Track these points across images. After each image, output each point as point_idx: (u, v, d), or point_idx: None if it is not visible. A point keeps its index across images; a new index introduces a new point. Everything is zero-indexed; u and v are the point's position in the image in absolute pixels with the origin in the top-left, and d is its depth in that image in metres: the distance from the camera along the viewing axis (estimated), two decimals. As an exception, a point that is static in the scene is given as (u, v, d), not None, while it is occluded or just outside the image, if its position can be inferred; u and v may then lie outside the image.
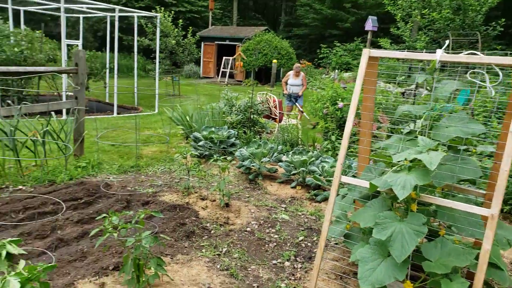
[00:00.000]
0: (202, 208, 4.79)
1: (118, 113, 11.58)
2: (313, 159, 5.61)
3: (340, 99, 7.01)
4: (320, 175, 5.35)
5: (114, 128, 9.24)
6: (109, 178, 5.70)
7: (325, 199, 5.18)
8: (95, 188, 5.10)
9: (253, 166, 5.78)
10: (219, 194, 5.10)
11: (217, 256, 3.78)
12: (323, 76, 18.93)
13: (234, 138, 6.61)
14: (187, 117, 7.90)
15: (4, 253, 2.16)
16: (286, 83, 10.41)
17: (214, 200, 5.01)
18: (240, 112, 7.60)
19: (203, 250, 3.84)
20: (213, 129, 6.77)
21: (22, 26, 13.02)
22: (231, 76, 24.36)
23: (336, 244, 4.06)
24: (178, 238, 4.01)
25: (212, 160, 4.75)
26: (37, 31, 11.35)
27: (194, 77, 24.82)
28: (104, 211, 4.42)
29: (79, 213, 4.30)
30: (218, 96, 9.03)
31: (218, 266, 3.58)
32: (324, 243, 3.08)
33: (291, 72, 10.47)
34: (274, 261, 3.79)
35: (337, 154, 6.08)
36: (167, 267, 3.35)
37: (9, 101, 7.29)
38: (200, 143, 6.61)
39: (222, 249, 3.92)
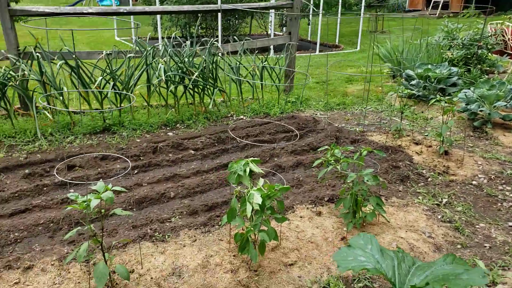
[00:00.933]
0: (416, 153, 4.38)
1: (320, 51, 11.63)
2: None
3: None
4: None
5: (317, 67, 9.31)
6: (316, 114, 5.81)
7: None
8: (304, 123, 5.27)
9: (481, 111, 4.90)
10: (436, 140, 4.54)
11: (436, 206, 3.41)
12: None
13: (456, 78, 5.70)
14: (396, 54, 7.23)
15: (248, 170, 2.37)
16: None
17: (430, 146, 4.50)
18: (462, 47, 6.47)
19: (420, 197, 3.52)
20: (429, 66, 5.99)
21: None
22: (445, 7, 21.15)
23: None
24: (392, 180, 3.78)
25: (433, 100, 4.18)
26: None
27: (398, 10, 22.68)
28: (315, 145, 4.53)
29: (293, 145, 4.52)
30: (426, 32, 7.92)
31: (439, 217, 3.23)
32: None
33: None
34: (511, 223, 3.18)
35: None
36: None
37: (230, 39, 8.08)
38: (413, 82, 5.98)
39: (441, 199, 3.51)
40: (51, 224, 2.93)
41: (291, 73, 6.45)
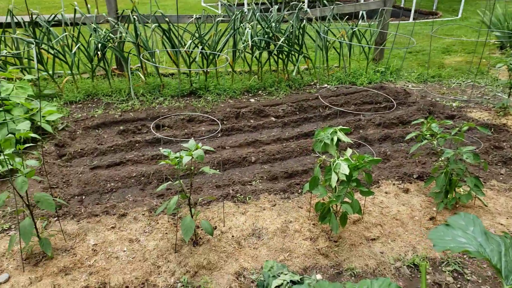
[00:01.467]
0: (525, 133, 3.87)
1: (414, 19, 10.71)
2: None
3: None
4: None
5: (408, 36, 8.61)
6: (407, 86, 5.39)
7: None
8: (394, 94, 4.93)
9: None
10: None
11: (546, 194, 3.00)
12: None
13: None
14: (508, 21, 6.36)
15: (335, 138, 2.26)
16: None
17: (543, 126, 3.95)
18: None
19: (526, 183, 3.12)
20: (549, 35, 5.17)
21: None
22: None
23: None
24: (492, 162, 3.40)
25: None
26: None
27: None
28: (405, 118, 4.22)
29: (381, 117, 4.26)
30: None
31: (550, 207, 2.84)
32: None
33: None
34: None
35: None
36: (481, 191, 2.90)
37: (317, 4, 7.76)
38: (526, 54, 5.22)
39: (553, 187, 3.07)
40: (142, 178, 3.13)
41: (383, 41, 6.02)
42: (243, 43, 4.82)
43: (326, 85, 5.39)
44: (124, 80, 5.16)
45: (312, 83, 5.45)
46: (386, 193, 2.98)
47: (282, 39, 4.86)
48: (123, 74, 5.22)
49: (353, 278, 2.25)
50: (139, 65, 5.35)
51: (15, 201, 2.49)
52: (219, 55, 4.89)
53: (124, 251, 2.34)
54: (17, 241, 2.27)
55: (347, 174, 2.15)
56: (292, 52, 5.18)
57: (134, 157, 3.46)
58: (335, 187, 2.34)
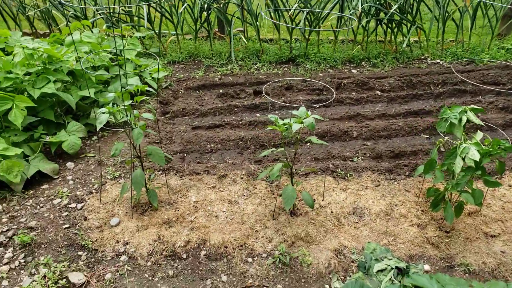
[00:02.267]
0: None
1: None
2: None
3: None
4: None
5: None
6: (538, 67, 4.63)
7: None
8: (521, 75, 4.27)
9: None
10: None
11: None
12: None
13: None
14: None
15: (464, 119, 1.97)
16: None
17: None
18: None
19: None
20: None
21: None
22: None
23: None
24: None
25: None
26: None
27: None
28: (536, 103, 3.64)
29: (505, 100, 3.73)
30: None
31: None
32: None
33: None
34: None
35: None
36: None
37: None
38: None
39: None
40: (240, 142, 3.13)
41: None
42: (351, 10, 4.50)
43: (438, 60, 4.86)
44: (225, 43, 5.18)
45: (422, 57, 4.95)
46: (510, 186, 2.60)
47: (394, 7, 4.43)
48: (224, 37, 5.24)
49: (467, 274, 2.01)
50: (241, 28, 5.32)
51: (131, 152, 2.62)
52: (323, 20, 4.64)
53: (224, 211, 2.35)
54: (128, 189, 2.40)
55: (477, 160, 1.87)
56: (404, 22, 4.72)
57: (232, 121, 3.47)
58: (453, 173, 2.07)
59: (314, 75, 4.43)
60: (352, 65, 4.78)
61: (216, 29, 5.44)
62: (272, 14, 4.75)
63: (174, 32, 5.14)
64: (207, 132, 3.30)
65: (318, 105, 3.74)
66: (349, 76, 4.37)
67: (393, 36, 4.89)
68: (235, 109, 3.70)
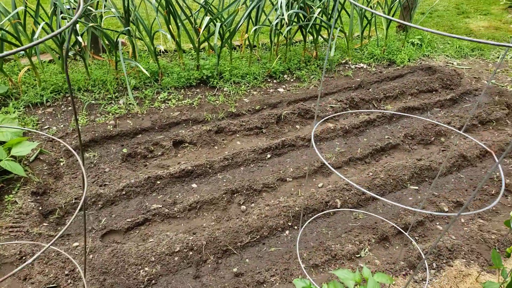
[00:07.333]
0: None
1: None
2: None
3: None
4: None
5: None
6: (452, 64, 4.52)
7: None
8: (448, 77, 4.04)
9: None
10: None
11: None
12: None
13: None
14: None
15: None
16: None
17: None
18: None
19: None
20: None
21: None
22: None
23: None
24: None
25: None
26: None
27: None
28: (484, 117, 3.38)
29: (452, 114, 3.39)
30: None
31: None
32: None
33: None
34: None
35: None
36: None
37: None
38: None
39: None
40: (191, 253, 2.05)
41: (413, 3, 4.99)
42: (275, 18, 3.60)
43: (362, 64, 4.37)
44: (102, 66, 3.77)
45: (343, 61, 4.40)
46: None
47: (318, 11, 3.69)
48: (99, 57, 3.81)
49: None
50: (122, 40, 3.97)
51: None
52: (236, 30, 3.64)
53: None
54: None
55: None
56: (324, 25, 4.03)
57: (162, 208, 2.34)
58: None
59: (239, 103, 3.47)
60: (274, 80, 3.95)
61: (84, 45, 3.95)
62: (168, 22, 3.53)
63: (23, 53, 3.54)
64: (130, 243, 2.11)
65: (268, 154, 2.82)
66: (280, 99, 3.53)
67: (314, 42, 4.18)
68: (158, 182, 2.54)
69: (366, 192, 1.06)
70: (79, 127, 3.00)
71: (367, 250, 2.09)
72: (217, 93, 3.59)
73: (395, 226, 2.19)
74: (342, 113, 1.76)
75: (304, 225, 2.20)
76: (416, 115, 3.45)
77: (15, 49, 0.64)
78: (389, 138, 3.06)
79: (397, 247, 2.13)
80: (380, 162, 2.83)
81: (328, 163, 2.75)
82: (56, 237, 0.87)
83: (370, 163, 2.82)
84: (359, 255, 2.06)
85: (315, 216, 2.23)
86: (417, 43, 4.85)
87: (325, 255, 2.04)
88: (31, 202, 2.24)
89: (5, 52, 0.63)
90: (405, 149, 2.99)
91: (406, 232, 2.16)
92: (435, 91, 3.90)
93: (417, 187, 2.58)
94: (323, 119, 1.82)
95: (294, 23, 3.83)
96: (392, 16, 4.51)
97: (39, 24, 2.94)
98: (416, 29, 5.17)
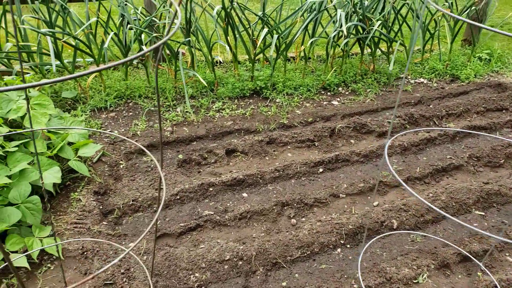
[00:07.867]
0: None
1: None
2: None
3: None
4: None
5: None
6: (524, 81, 4.21)
7: None
8: (518, 96, 3.77)
9: None
10: None
11: None
12: None
13: None
14: None
15: None
16: None
17: None
18: None
19: None
20: None
21: None
22: None
23: None
24: None
25: None
26: None
27: None
28: None
29: (526, 136, 3.14)
30: None
31: None
32: None
33: None
34: None
35: None
36: None
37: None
38: None
39: None
40: (240, 262, 2.05)
41: (483, 16, 4.72)
42: (332, 30, 3.57)
43: (422, 79, 4.19)
44: (163, 75, 3.93)
45: (401, 75, 4.25)
46: None
47: (378, 24, 3.60)
48: (160, 66, 3.98)
49: None
50: (183, 51, 4.11)
51: None
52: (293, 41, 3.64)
53: None
54: None
55: None
56: (383, 38, 3.93)
57: (213, 214, 2.36)
58: None
59: (291, 114, 3.45)
60: (329, 93, 3.89)
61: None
62: (226, 33, 3.61)
63: (91, 60, 3.78)
64: (182, 247, 2.15)
65: (320, 168, 2.77)
66: (334, 112, 3.47)
67: (371, 54, 4.08)
68: (210, 189, 2.58)
69: (437, 210, 1.00)
70: (138, 132, 3.13)
71: (426, 277, 1.97)
72: (269, 104, 3.61)
73: (462, 251, 2.04)
74: (416, 129, 1.68)
75: (365, 247, 2.12)
76: (486, 136, 3.24)
77: (116, 62, 0.67)
78: (451, 158, 2.89)
79: (459, 276, 1.99)
80: (440, 183, 2.68)
81: (384, 182, 2.64)
82: (136, 242, 0.90)
83: (430, 184, 2.68)
84: (416, 281, 1.95)
85: (376, 237, 2.14)
86: (485, 58, 4.58)
87: (379, 277, 1.95)
88: (93, 201, 2.35)
89: (108, 65, 0.66)
90: (469, 171, 2.80)
91: (475, 259, 2.01)
92: (506, 109, 3.65)
93: (483, 213, 2.40)
94: (396, 135, 1.75)
95: (352, 36, 3.77)
96: (459, 30, 4.30)
97: (109, 34, 3.13)
98: (484, 43, 4.89)
